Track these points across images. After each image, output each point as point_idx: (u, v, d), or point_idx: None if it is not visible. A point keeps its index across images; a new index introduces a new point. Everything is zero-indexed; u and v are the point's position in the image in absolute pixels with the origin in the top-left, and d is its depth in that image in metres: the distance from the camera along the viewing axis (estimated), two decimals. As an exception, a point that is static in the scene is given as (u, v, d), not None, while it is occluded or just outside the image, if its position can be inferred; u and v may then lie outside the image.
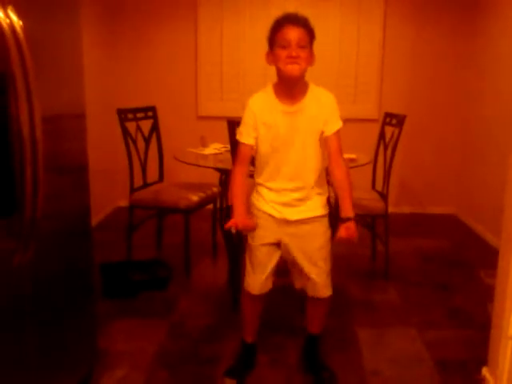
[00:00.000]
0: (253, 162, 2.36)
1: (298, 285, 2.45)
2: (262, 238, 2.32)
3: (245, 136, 2.25)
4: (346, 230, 2.21)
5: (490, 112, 4.63)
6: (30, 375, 1.72)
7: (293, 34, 2.06)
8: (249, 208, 2.35)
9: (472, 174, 5.05)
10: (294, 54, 2.06)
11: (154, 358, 2.63)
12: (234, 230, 2.25)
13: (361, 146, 3.68)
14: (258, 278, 2.38)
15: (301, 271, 2.37)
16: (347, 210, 2.24)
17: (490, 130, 4.64)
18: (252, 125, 2.22)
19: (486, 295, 2.74)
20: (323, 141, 2.24)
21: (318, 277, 2.35)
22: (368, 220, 3.80)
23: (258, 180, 2.32)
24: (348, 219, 2.23)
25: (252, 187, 2.37)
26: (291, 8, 4.77)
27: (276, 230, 2.30)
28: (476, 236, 4.72)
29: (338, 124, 2.23)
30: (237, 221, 2.21)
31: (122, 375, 2.48)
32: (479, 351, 2.52)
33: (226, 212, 2.32)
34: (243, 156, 2.28)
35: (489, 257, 3.81)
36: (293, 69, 2.09)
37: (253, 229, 2.29)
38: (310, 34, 2.12)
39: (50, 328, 1.84)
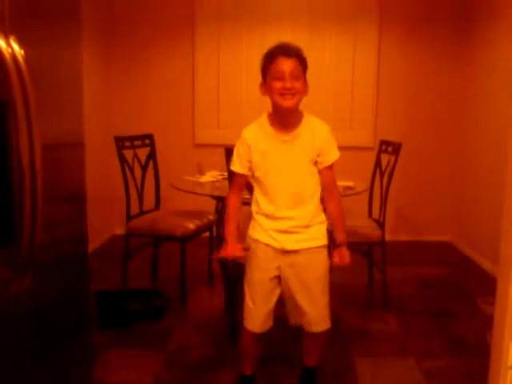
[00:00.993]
0: (250, 189, 2.36)
1: (292, 320, 2.40)
2: (263, 271, 2.29)
3: (238, 166, 2.26)
4: (340, 256, 2.26)
5: (486, 140, 4.66)
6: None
7: (286, 65, 2.08)
8: (243, 238, 2.34)
9: (468, 202, 5.06)
10: (288, 85, 2.08)
11: (150, 389, 2.59)
12: (221, 259, 2.25)
13: (357, 174, 3.70)
14: (259, 315, 2.33)
15: (297, 305, 2.32)
16: (341, 237, 2.29)
17: (486, 158, 4.67)
18: (245, 156, 2.24)
19: (485, 323, 2.73)
20: (318, 170, 2.26)
21: (314, 311, 2.31)
22: (365, 248, 3.79)
23: (255, 208, 2.31)
24: (340, 245, 2.28)
25: (248, 217, 2.38)
26: (287, 33, 4.88)
27: (274, 260, 2.27)
28: (473, 263, 4.71)
29: (334, 156, 2.26)
30: (228, 251, 2.22)
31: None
32: (478, 381, 2.49)
33: (218, 241, 2.33)
34: (237, 184, 2.32)
35: (486, 284, 3.81)
36: (288, 102, 2.11)
37: (243, 259, 2.27)
38: (303, 64, 2.14)
39: (46, 357, 1.81)
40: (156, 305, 3.49)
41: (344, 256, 2.27)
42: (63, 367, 1.96)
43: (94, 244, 4.80)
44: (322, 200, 2.35)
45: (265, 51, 2.18)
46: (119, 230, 4.94)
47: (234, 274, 3.08)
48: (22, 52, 1.44)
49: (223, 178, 3.43)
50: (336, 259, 2.26)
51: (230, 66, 5.16)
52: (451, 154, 5.29)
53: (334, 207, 2.30)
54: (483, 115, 4.73)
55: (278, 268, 2.28)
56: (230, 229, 2.28)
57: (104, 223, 5.10)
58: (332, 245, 2.41)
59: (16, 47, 1.42)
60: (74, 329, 2.07)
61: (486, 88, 4.68)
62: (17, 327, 1.61)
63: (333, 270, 2.30)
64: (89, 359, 2.25)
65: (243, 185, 2.32)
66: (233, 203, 2.31)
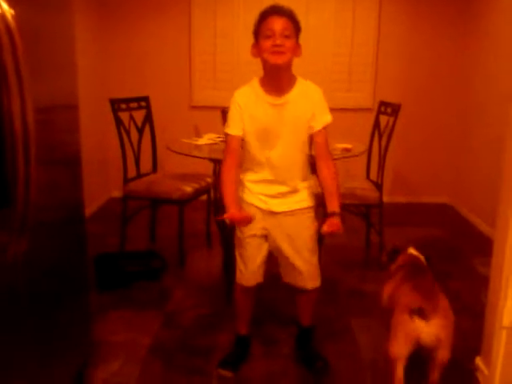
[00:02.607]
0: None
1: (286, 279, 2.44)
2: (250, 229, 2.31)
3: (232, 128, 2.24)
4: (330, 226, 2.16)
5: (485, 101, 4.62)
6: (25, 367, 1.71)
7: (277, 23, 2.06)
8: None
9: (466, 164, 5.05)
10: (278, 42, 2.05)
11: (149, 350, 2.62)
12: (228, 222, 2.24)
13: (355, 136, 3.68)
14: (249, 271, 2.39)
15: (288, 263, 2.37)
16: (333, 206, 2.21)
17: (484, 120, 4.65)
18: (238, 117, 2.22)
19: (481, 284, 2.75)
20: (310, 135, 2.24)
21: (305, 268, 2.36)
22: (362, 209, 3.80)
23: (245, 172, 2.32)
24: (333, 214, 2.20)
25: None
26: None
27: (262, 221, 2.30)
28: (470, 225, 4.73)
29: (326, 118, 2.23)
30: (232, 214, 2.19)
31: (117, 367, 2.47)
32: (473, 340, 2.53)
33: (218, 203, 2.32)
34: (233, 148, 2.27)
35: (483, 246, 3.83)
36: (276, 58, 2.08)
37: (249, 221, 2.24)
38: (295, 24, 2.11)
39: (45, 320, 1.83)
40: (154, 266, 3.51)
41: (335, 225, 2.16)
42: (62, 329, 1.98)
43: (91, 207, 4.80)
44: (314, 166, 2.33)
45: (259, 12, 2.14)
46: (117, 193, 4.94)
47: (231, 235, 3.09)
48: (12, 11, 1.40)
49: (221, 141, 3.40)
50: (324, 228, 2.16)
51: (227, 27, 5.05)
52: (450, 116, 5.24)
53: (327, 174, 2.25)
54: (483, 77, 4.67)
55: (264, 228, 2.31)
56: (227, 194, 2.22)
57: (101, 186, 5.10)
58: (322, 212, 2.39)
59: (5, 6, 1.38)
60: (72, 291, 2.09)
61: (486, 50, 4.61)
62: (15, 290, 1.62)
63: (323, 235, 2.24)
64: (88, 321, 2.28)
65: (238, 150, 2.28)
66: (228, 168, 2.25)
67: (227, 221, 2.22)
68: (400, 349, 2.07)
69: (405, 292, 2.20)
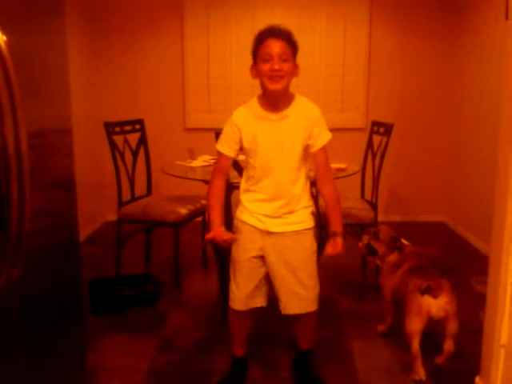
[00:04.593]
0: (240, 171, 2.35)
1: (281, 305, 2.36)
2: (246, 251, 2.30)
3: (225, 147, 2.26)
4: (333, 247, 2.25)
5: (479, 119, 4.66)
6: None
7: (275, 47, 2.08)
8: (228, 221, 2.35)
9: (461, 182, 5.07)
10: (276, 66, 2.07)
11: (146, 375, 2.60)
12: (207, 242, 2.26)
13: (349, 155, 3.69)
14: (241, 294, 2.35)
15: (284, 286, 2.32)
16: (335, 225, 2.27)
17: (477, 138, 4.68)
18: (233, 138, 2.23)
19: (478, 303, 2.74)
20: (309, 153, 2.25)
21: (301, 292, 2.31)
22: (358, 229, 3.80)
23: (244, 193, 2.32)
24: (335, 234, 2.26)
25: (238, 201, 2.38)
26: (277, 17, 4.83)
27: (260, 241, 2.28)
28: (466, 243, 4.73)
29: (326, 137, 2.25)
30: (215, 234, 2.22)
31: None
32: (472, 359, 2.51)
33: (207, 225, 2.34)
34: (222, 167, 2.30)
35: (479, 264, 3.82)
36: (275, 86, 2.10)
37: (231, 241, 2.28)
38: (293, 46, 2.13)
39: (38, 346, 1.81)
40: (150, 290, 3.49)
41: (337, 246, 2.25)
42: (57, 355, 1.95)
43: (86, 231, 4.79)
44: (314, 183, 2.34)
45: (256, 34, 2.16)
46: (111, 216, 4.92)
47: (227, 258, 3.08)
48: (5, 38, 1.41)
49: (214, 162, 3.40)
50: (329, 250, 2.25)
51: (220, 49, 5.11)
52: (443, 134, 5.28)
53: (329, 194, 2.28)
54: (475, 95, 4.72)
55: (262, 249, 2.29)
56: (213, 214, 2.27)
57: (96, 209, 5.08)
58: (321, 226, 2.41)
59: (-2, 33, 1.39)
60: (67, 317, 2.06)
61: (477, 68, 4.67)
62: (7, 317, 1.60)
63: (323, 256, 2.30)
64: (82, 347, 2.25)
65: (227, 168, 2.32)
66: (215, 187, 2.29)
67: (208, 241, 2.24)
68: (415, 324, 2.50)
69: (412, 278, 2.63)
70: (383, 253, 2.96)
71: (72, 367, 2.13)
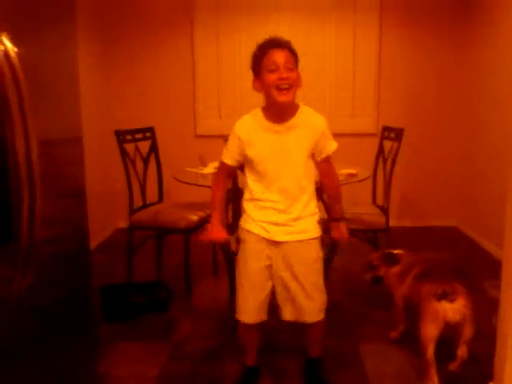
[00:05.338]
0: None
1: (286, 316, 2.36)
2: (254, 260, 2.29)
3: (228, 157, 2.28)
4: (338, 230, 2.36)
5: (491, 122, 4.62)
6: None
7: (279, 57, 2.08)
8: (230, 225, 2.41)
9: (473, 186, 5.03)
10: (284, 75, 2.06)
11: (157, 382, 2.59)
12: (202, 241, 2.31)
13: (359, 161, 3.68)
14: (251, 307, 2.33)
15: (289, 296, 2.31)
16: (338, 213, 2.37)
17: (489, 141, 4.64)
18: (235, 149, 2.24)
19: (491, 308, 2.71)
20: (315, 162, 2.26)
21: (307, 301, 2.30)
22: (370, 235, 3.78)
23: (247, 199, 2.31)
24: (338, 219, 2.35)
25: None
26: (286, 23, 4.85)
27: (266, 250, 2.27)
28: (479, 248, 4.69)
29: (332, 147, 2.26)
30: (210, 233, 2.28)
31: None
32: (485, 365, 2.48)
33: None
34: (224, 174, 2.37)
35: (492, 268, 3.78)
36: (284, 98, 2.10)
37: (226, 241, 2.35)
38: (295, 56, 2.13)
39: (50, 354, 1.81)
40: (161, 297, 3.49)
41: (341, 230, 2.35)
42: (68, 363, 1.97)
43: (98, 238, 4.81)
44: (318, 190, 2.36)
45: (256, 47, 2.18)
46: (123, 224, 4.94)
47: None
48: (15, 49, 1.43)
49: (217, 168, 3.41)
50: (335, 234, 2.35)
51: (230, 56, 5.12)
52: (455, 138, 5.24)
53: (331, 183, 2.35)
54: (487, 99, 4.69)
55: (269, 258, 2.28)
56: (214, 212, 2.33)
57: (107, 217, 5.11)
58: (328, 222, 2.44)
59: (8, 44, 1.41)
60: (78, 324, 2.07)
61: (489, 72, 4.64)
62: (19, 325, 1.61)
63: (333, 258, 2.32)
64: (94, 355, 2.26)
65: (229, 175, 2.40)
66: (216, 189, 2.36)
67: (204, 240, 2.29)
68: (431, 331, 2.46)
69: (424, 284, 2.60)
70: (385, 272, 2.98)
71: (83, 374, 2.14)
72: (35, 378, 1.71)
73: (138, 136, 3.89)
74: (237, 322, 2.45)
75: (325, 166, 2.28)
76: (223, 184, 2.37)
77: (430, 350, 2.47)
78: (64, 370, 1.93)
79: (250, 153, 2.20)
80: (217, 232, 2.29)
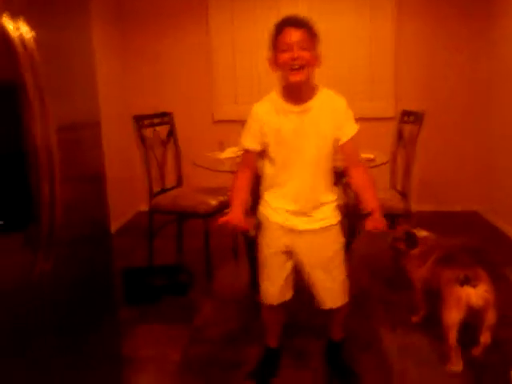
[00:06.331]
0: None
1: (322, 304, 2.36)
2: (273, 246, 2.29)
3: (249, 141, 2.23)
4: (373, 222, 2.17)
5: (511, 105, 4.53)
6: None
7: (294, 36, 2.02)
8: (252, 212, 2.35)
9: (495, 170, 4.95)
10: (295, 55, 2.01)
11: (179, 365, 2.63)
12: (220, 226, 2.23)
13: (377, 145, 3.63)
14: (273, 288, 2.34)
15: (313, 282, 2.31)
16: (371, 203, 2.19)
17: (511, 124, 4.55)
18: (256, 131, 2.19)
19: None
20: (336, 145, 2.20)
21: (330, 286, 2.30)
22: (388, 220, 3.74)
23: (267, 189, 2.28)
24: (373, 211, 2.18)
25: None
26: (304, 7, 4.79)
27: (285, 238, 2.26)
28: (500, 233, 4.63)
29: (353, 129, 2.20)
30: (230, 218, 2.19)
31: (148, 382, 2.48)
32: (508, 352, 2.46)
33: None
34: (247, 161, 2.28)
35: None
36: (296, 77, 2.05)
37: (247, 229, 2.28)
38: (313, 35, 2.07)
39: (73, 339, 1.84)
40: (181, 280, 3.52)
41: (377, 221, 2.17)
42: (92, 347, 1.99)
43: (119, 221, 4.87)
44: (343, 174, 2.31)
45: (273, 25, 2.12)
46: (143, 207, 4.97)
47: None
48: (33, 33, 1.43)
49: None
50: (369, 226, 2.16)
51: (246, 40, 5.08)
52: (476, 121, 5.15)
53: (360, 178, 2.23)
54: (509, 82, 4.58)
55: (288, 246, 2.26)
56: (234, 197, 2.24)
57: (129, 200, 5.16)
58: (356, 217, 2.38)
59: (25, 29, 1.41)
60: (100, 308, 2.09)
61: (511, 55, 4.52)
62: (41, 310, 1.62)
63: (353, 242, 2.27)
64: (117, 337, 2.28)
65: (253, 163, 2.27)
66: (240, 178, 2.27)
67: (222, 224, 2.21)
68: (454, 316, 2.44)
69: (445, 269, 2.59)
70: (404, 249, 2.94)
71: (107, 358, 2.17)
72: (57, 361, 1.74)
73: (156, 121, 3.90)
74: (257, 305, 2.46)
75: (348, 152, 2.21)
76: (246, 177, 2.27)
77: (453, 336, 2.45)
78: (86, 353, 1.96)
79: (269, 135, 2.17)
80: (236, 217, 2.21)
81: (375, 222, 2.17)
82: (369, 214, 2.19)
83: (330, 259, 2.28)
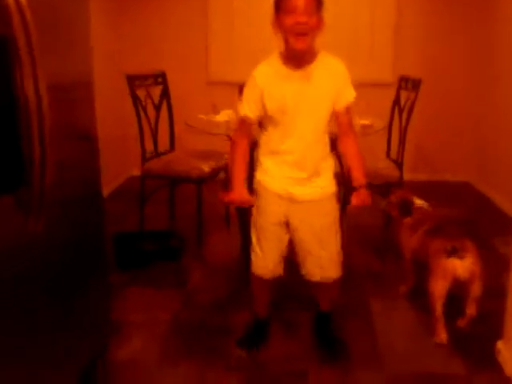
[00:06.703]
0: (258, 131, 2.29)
1: (304, 270, 2.35)
2: (271, 216, 2.25)
3: (247, 109, 2.17)
4: (358, 197, 2.21)
5: (508, 76, 4.48)
6: (43, 348, 1.71)
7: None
8: (250, 183, 2.30)
9: (488, 141, 4.94)
10: (300, 19, 1.94)
11: (168, 328, 2.64)
12: (226, 203, 2.20)
13: (374, 111, 3.58)
14: (266, 262, 2.32)
15: (308, 253, 2.29)
16: (359, 179, 2.22)
17: (507, 95, 4.51)
18: (255, 99, 2.13)
19: (501, 265, 2.69)
20: (332, 112, 2.18)
21: (326, 257, 2.28)
22: (383, 189, 3.74)
23: (265, 155, 2.24)
24: (360, 187, 2.21)
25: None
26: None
27: (283, 207, 2.23)
28: (492, 204, 4.64)
29: (351, 95, 2.18)
30: (234, 196, 2.18)
31: (138, 346, 2.50)
32: (494, 323, 2.48)
33: (227, 182, 2.28)
34: (244, 129, 2.23)
35: (505, 225, 3.75)
36: (301, 44, 1.99)
37: (251, 204, 2.24)
38: (318, 0, 2.00)
39: (63, 300, 1.83)
40: (173, 245, 3.51)
41: (363, 197, 2.21)
42: (81, 309, 1.98)
43: (111, 185, 4.82)
44: (335, 142, 2.28)
45: None
46: (136, 171, 4.92)
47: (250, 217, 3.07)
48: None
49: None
50: (354, 201, 2.21)
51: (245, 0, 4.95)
52: (473, 91, 5.10)
53: (350, 147, 2.24)
54: (506, 52, 4.52)
55: (285, 215, 2.24)
56: (236, 173, 2.20)
57: (120, 165, 5.10)
58: (347, 187, 2.37)
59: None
60: (90, 270, 2.08)
61: (510, 23, 4.45)
62: (32, 270, 1.61)
63: (346, 211, 2.26)
64: (106, 300, 2.28)
65: (250, 130, 2.24)
66: (239, 147, 2.22)
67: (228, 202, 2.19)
68: (440, 287, 2.46)
69: (434, 240, 2.58)
70: (396, 216, 2.93)
71: (97, 321, 2.17)
72: (48, 323, 1.73)
73: (150, 81, 3.82)
74: (247, 273, 2.46)
75: (344, 118, 2.20)
76: (245, 146, 2.23)
77: (439, 307, 2.47)
78: (77, 317, 1.95)
79: (269, 100, 2.11)
80: (240, 195, 2.19)
81: (360, 198, 2.20)
82: (355, 189, 2.21)
83: (326, 229, 2.26)
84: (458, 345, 2.51)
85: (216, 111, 3.69)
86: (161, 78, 3.93)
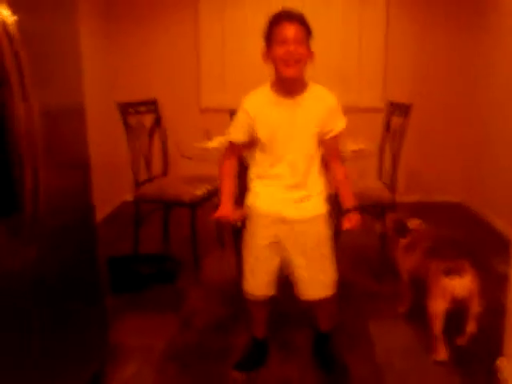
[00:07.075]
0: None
1: (303, 295, 2.35)
2: (261, 238, 2.27)
3: (234, 134, 2.24)
4: (350, 221, 2.24)
5: (498, 98, 4.55)
6: (38, 375, 1.69)
7: (289, 29, 2.02)
8: (240, 203, 2.33)
9: (481, 162, 4.97)
10: (291, 49, 2.01)
11: (165, 353, 2.62)
12: (215, 220, 2.25)
13: (365, 136, 3.61)
14: (257, 282, 2.33)
15: (299, 274, 2.29)
16: (350, 202, 2.28)
17: (497, 117, 4.57)
18: (244, 123, 2.19)
19: (499, 284, 2.69)
20: (321, 140, 2.22)
21: (320, 276, 2.29)
22: (377, 210, 3.74)
23: (254, 177, 2.27)
24: (351, 210, 2.26)
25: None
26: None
27: (273, 228, 2.24)
28: (486, 224, 4.65)
29: (341, 125, 2.22)
30: (220, 212, 2.22)
31: (134, 371, 2.47)
32: (494, 341, 2.47)
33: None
34: (232, 150, 2.30)
35: (501, 245, 3.74)
36: (290, 72, 2.05)
37: (237, 220, 2.30)
38: (307, 29, 2.07)
39: (58, 327, 1.82)
40: (168, 268, 3.50)
41: (354, 220, 2.25)
42: (77, 336, 1.97)
43: (105, 211, 4.82)
44: (324, 166, 2.31)
45: (269, 17, 2.11)
46: (129, 197, 4.92)
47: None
48: (15, 17, 1.39)
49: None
50: (346, 224, 2.24)
51: (235, 28, 5.02)
52: (463, 114, 5.16)
53: (338, 173, 2.30)
54: (496, 75, 4.59)
55: (276, 236, 2.25)
56: (224, 189, 2.28)
57: (114, 190, 5.10)
58: (338, 211, 2.38)
59: (6, 13, 1.37)
60: (86, 297, 2.08)
61: (501, 45, 4.53)
62: (25, 298, 1.60)
63: (341, 233, 2.28)
64: (104, 326, 2.27)
65: (239, 151, 2.31)
66: (227, 166, 2.30)
67: (216, 219, 2.23)
68: (439, 306, 2.47)
69: (432, 260, 2.58)
70: (393, 237, 2.96)
71: (93, 345, 2.15)
72: (45, 351, 1.71)
73: (142, 109, 3.84)
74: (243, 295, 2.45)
75: (331, 145, 2.24)
76: (233, 165, 2.30)
77: (438, 326, 2.48)
78: (73, 343, 1.94)
79: (259, 127, 2.16)
80: (227, 211, 2.23)
81: (351, 221, 2.24)
82: (346, 212, 2.25)
83: (318, 249, 2.27)
84: (458, 363, 2.50)
85: (209, 137, 3.71)
86: (153, 106, 3.96)
